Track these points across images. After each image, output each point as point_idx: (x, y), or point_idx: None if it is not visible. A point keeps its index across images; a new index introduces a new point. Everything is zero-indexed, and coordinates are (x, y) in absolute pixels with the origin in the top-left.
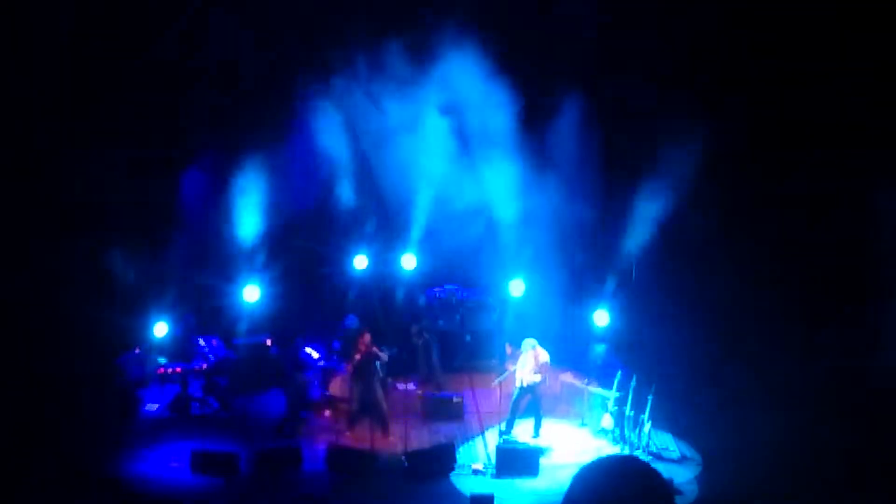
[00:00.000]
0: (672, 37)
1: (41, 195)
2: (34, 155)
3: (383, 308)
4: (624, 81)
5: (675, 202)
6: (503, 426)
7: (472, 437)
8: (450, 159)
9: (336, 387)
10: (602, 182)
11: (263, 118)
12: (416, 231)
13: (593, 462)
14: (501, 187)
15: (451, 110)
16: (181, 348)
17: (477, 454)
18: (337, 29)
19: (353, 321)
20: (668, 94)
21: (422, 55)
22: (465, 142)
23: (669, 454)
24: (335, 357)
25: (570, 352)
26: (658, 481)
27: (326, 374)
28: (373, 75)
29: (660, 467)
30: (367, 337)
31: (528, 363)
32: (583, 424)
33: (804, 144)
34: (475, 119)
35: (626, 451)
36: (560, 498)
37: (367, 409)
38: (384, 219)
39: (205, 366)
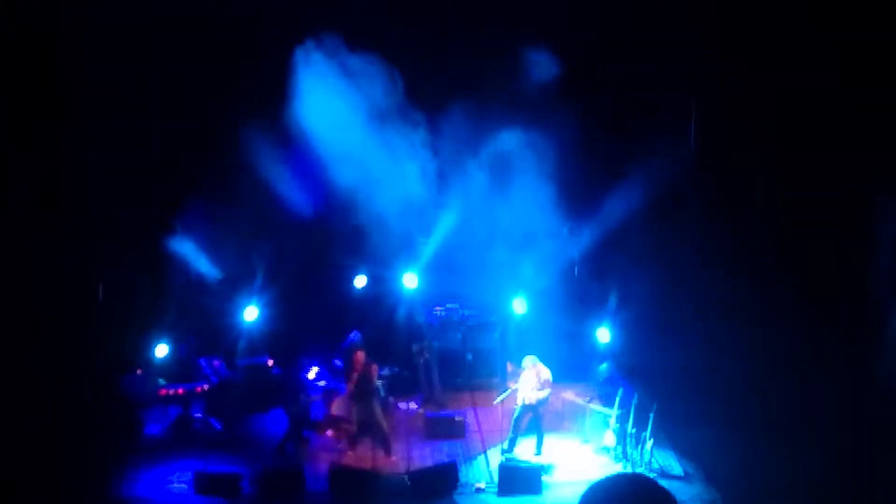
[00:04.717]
0: (663, 42)
1: (41, 211)
2: (36, 168)
3: (385, 327)
4: (620, 93)
5: (675, 215)
6: (505, 444)
7: (475, 456)
8: (451, 177)
9: (338, 406)
10: (604, 198)
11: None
12: (419, 249)
13: (602, 480)
14: (503, 204)
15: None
16: (183, 369)
17: (479, 473)
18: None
19: (356, 336)
20: (661, 101)
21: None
22: (466, 160)
23: (672, 472)
24: (337, 376)
25: (571, 369)
26: (668, 500)
27: (328, 394)
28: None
29: (662, 485)
30: (361, 355)
31: (530, 381)
32: (585, 442)
33: (803, 148)
34: (475, 135)
35: (630, 469)
36: None
37: (367, 429)
38: (385, 236)
39: (207, 387)
